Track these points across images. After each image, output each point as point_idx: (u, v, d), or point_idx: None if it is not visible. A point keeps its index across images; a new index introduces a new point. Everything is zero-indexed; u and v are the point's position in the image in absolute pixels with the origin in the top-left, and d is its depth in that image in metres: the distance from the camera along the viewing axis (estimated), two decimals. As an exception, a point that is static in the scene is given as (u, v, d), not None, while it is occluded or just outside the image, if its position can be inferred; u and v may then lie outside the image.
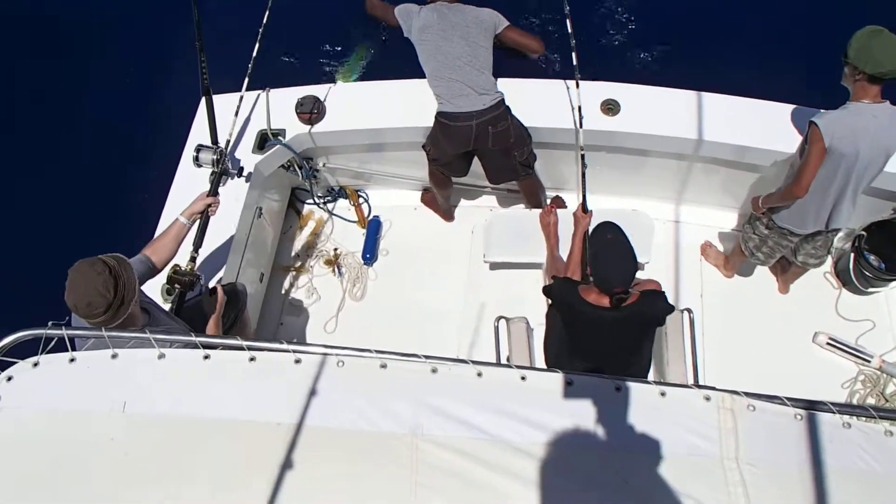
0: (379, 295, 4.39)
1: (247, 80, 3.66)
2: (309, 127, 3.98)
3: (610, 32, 5.46)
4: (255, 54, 3.63)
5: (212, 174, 3.48)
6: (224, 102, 3.74)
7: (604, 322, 2.94)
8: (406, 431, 1.74)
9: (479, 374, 1.83)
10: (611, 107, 3.80)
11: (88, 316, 2.41)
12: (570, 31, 3.58)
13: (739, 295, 4.17)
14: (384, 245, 4.54)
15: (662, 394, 1.80)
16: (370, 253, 4.45)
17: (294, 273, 4.51)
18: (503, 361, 3.52)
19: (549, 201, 4.41)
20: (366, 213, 4.62)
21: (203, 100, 3.72)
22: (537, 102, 3.87)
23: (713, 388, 1.80)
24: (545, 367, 3.31)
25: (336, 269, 4.45)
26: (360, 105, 4.03)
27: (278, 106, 3.99)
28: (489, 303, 4.10)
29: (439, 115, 3.72)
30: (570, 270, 3.45)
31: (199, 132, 3.90)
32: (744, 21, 5.39)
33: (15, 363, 1.82)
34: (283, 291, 4.46)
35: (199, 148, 3.55)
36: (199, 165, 3.55)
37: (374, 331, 4.18)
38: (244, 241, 3.87)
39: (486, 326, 3.89)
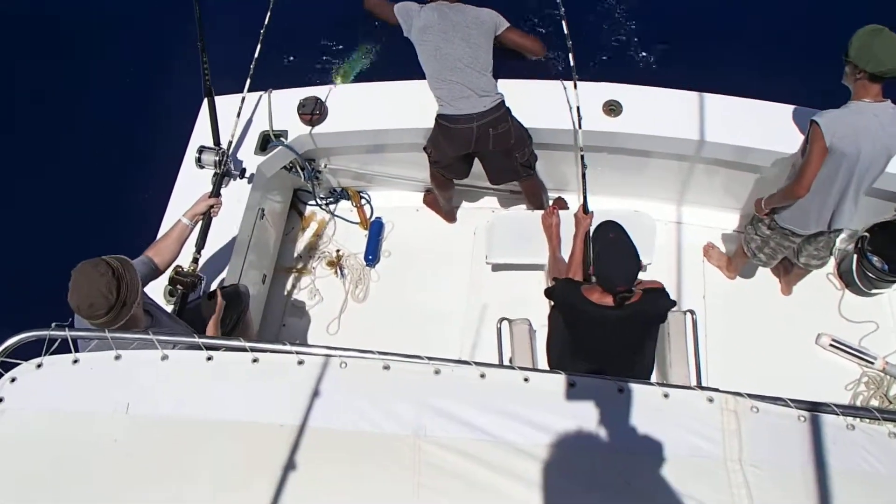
0: (381, 296, 4.39)
1: (248, 80, 3.67)
2: (311, 128, 3.98)
3: (612, 33, 5.46)
4: (256, 55, 3.63)
5: (214, 175, 3.49)
6: (226, 103, 3.75)
7: (607, 321, 2.94)
8: (409, 433, 1.74)
9: (482, 376, 1.82)
10: (613, 107, 3.80)
11: (90, 317, 2.41)
12: (566, 31, 3.59)
13: (742, 296, 4.17)
14: (386, 246, 4.54)
15: (665, 395, 1.79)
16: (372, 254, 4.45)
17: (296, 274, 4.52)
18: (506, 363, 3.52)
19: (551, 202, 4.41)
20: (368, 215, 4.62)
21: (205, 101, 3.72)
22: (539, 103, 3.87)
23: (716, 390, 1.80)
24: (548, 368, 3.31)
25: (338, 271, 4.45)
26: (362, 106, 4.03)
27: (280, 107, 3.99)
28: (491, 304, 4.10)
29: (440, 117, 3.72)
30: (571, 271, 3.45)
31: (201, 133, 3.90)
32: (745, 21, 5.39)
33: (19, 364, 1.82)
34: (285, 293, 4.46)
35: (201, 149, 3.56)
36: (202, 167, 3.56)
37: (376, 332, 4.18)
38: (246, 242, 3.88)
39: (488, 328, 3.89)
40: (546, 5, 5.24)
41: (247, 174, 3.79)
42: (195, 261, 3.22)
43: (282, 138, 3.96)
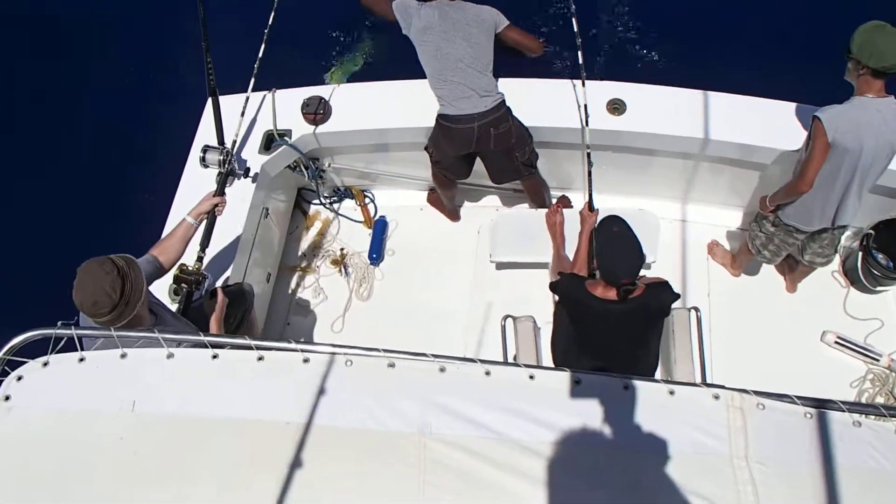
0: (385, 295, 4.39)
1: (253, 80, 3.67)
2: (315, 127, 3.98)
3: (616, 32, 5.45)
4: (260, 55, 3.64)
5: (218, 175, 3.49)
6: (230, 103, 3.75)
7: (611, 315, 2.95)
8: (414, 430, 1.74)
9: (488, 373, 1.82)
10: (617, 106, 3.79)
11: (94, 315, 2.41)
12: (575, 30, 3.59)
13: (747, 294, 4.16)
14: (390, 245, 4.54)
15: (671, 392, 1.79)
16: (376, 253, 4.45)
17: (301, 273, 4.52)
18: (510, 360, 3.52)
19: (554, 201, 4.41)
20: (372, 214, 4.62)
21: (209, 100, 3.72)
22: (543, 102, 3.87)
23: (722, 387, 1.79)
24: (552, 365, 3.31)
25: (342, 269, 4.45)
26: (365, 105, 4.03)
27: (284, 106, 4.00)
28: (496, 302, 4.10)
29: (440, 117, 3.72)
30: (576, 268, 3.45)
31: (205, 133, 3.91)
32: (750, 20, 5.37)
33: (25, 363, 1.83)
34: (289, 291, 4.47)
35: (205, 148, 3.56)
36: (206, 166, 3.56)
37: (380, 330, 4.18)
38: (251, 241, 3.88)
39: (492, 326, 3.89)
40: (547, 4, 5.25)
41: (251, 173, 3.80)
42: (200, 259, 3.23)
43: (286, 137, 3.97)
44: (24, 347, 1.83)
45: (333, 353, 1.85)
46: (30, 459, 1.75)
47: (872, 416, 1.78)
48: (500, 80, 3.79)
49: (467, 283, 4.29)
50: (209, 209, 3.23)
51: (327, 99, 3.99)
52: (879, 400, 3.79)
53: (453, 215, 4.55)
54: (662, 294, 3.00)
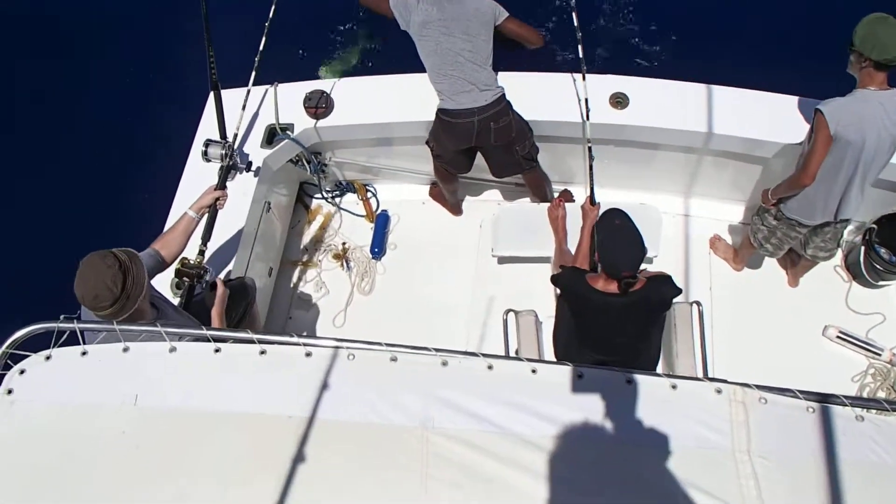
0: (387, 289, 4.39)
1: (254, 73, 3.66)
2: (317, 121, 3.97)
3: (618, 25, 5.43)
4: (261, 48, 3.63)
5: (220, 169, 3.49)
6: (232, 97, 3.75)
7: (612, 308, 2.94)
8: (417, 424, 1.74)
9: (490, 367, 1.82)
10: (619, 100, 3.79)
11: (95, 308, 2.41)
12: (576, 23, 3.57)
13: (749, 288, 4.15)
14: (392, 239, 4.54)
15: (673, 386, 1.79)
16: (378, 247, 4.44)
17: (302, 267, 4.52)
18: (512, 355, 3.52)
19: (556, 195, 4.40)
20: (374, 208, 4.62)
21: (211, 94, 3.71)
22: (544, 96, 3.86)
23: (725, 381, 1.79)
24: (554, 359, 3.31)
25: (344, 264, 4.45)
26: (368, 99, 4.02)
27: (286, 101, 3.99)
28: (497, 296, 4.10)
29: (440, 111, 3.71)
30: (578, 263, 3.45)
31: (207, 127, 3.90)
32: (751, 13, 5.35)
33: (28, 356, 1.83)
34: (291, 286, 4.47)
35: (207, 142, 3.56)
36: (208, 160, 3.56)
37: (382, 325, 4.18)
38: (253, 235, 3.88)
39: (494, 320, 3.89)
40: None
41: (253, 167, 3.80)
42: (201, 253, 3.23)
43: (288, 132, 3.96)
44: (26, 341, 1.83)
45: (336, 347, 1.85)
46: (32, 453, 1.75)
47: (874, 411, 1.77)
48: (501, 73, 3.78)
49: (469, 277, 4.29)
50: (210, 203, 3.23)
51: (330, 93, 3.99)
52: (881, 394, 3.79)
53: (455, 209, 4.55)
54: (664, 287, 3.00)
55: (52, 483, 1.71)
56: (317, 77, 4.16)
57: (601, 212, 3.26)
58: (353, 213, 4.64)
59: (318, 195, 4.65)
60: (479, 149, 3.90)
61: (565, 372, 1.81)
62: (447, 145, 3.81)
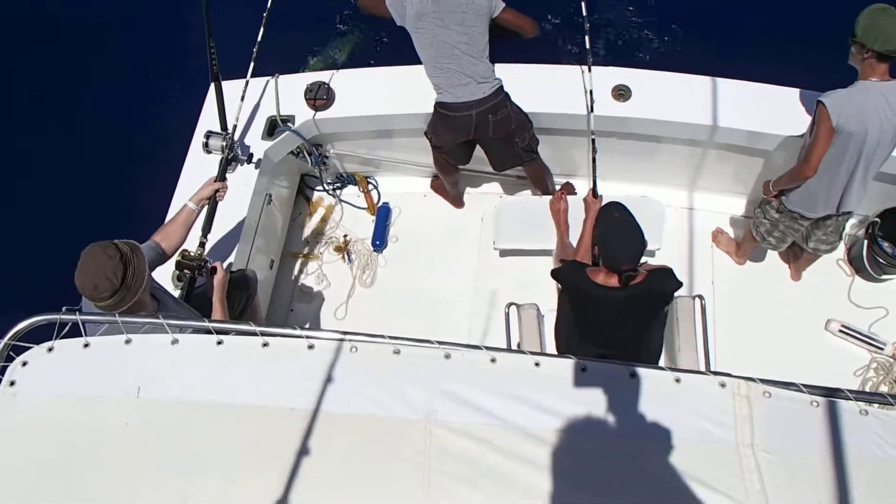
0: (389, 282, 4.39)
1: (252, 64, 3.64)
2: (318, 113, 3.96)
3: (621, 17, 5.41)
4: (259, 39, 3.61)
5: (221, 160, 3.48)
6: (233, 88, 3.73)
7: (612, 302, 2.94)
8: (420, 417, 1.74)
9: (493, 360, 1.82)
10: (622, 92, 3.77)
11: (94, 299, 2.41)
12: (584, 14, 3.56)
13: (751, 282, 4.15)
14: (394, 232, 4.53)
15: (677, 380, 1.78)
16: (380, 239, 4.44)
17: (304, 260, 4.52)
18: (514, 348, 3.52)
19: (558, 187, 4.39)
20: (375, 200, 4.61)
21: (212, 86, 3.70)
22: (547, 88, 3.84)
23: (728, 375, 1.79)
24: (556, 352, 3.31)
25: (346, 256, 4.45)
26: (369, 91, 4.01)
27: (287, 92, 3.98)
28: (499, 289, 4.09)
29: (438, 105, 3.69)
30: (579, 256, 3.44)
31: (208, 118, 3.89)
32: (754, 5, 5.34)
33: (30, 348, 1.83)
34: (292, 278, 4.46)
35: (208, 134, 3.55)
36: (209, 152, 3.54)
37: (384, 317, 4.18)
38: (254, 227, 3.87)
39: (496, 313, 3.89)
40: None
41: (254, 159, 3.79)
42: (202, 245, 3.22)
43: (289, 123, 3.95)
44: (28, 333, 1.83)
45: (339, 340, 1.84)
46: (35, 444, 1.75)
47: (878, 405, 1.77)
48: (505, 65, 3.77)
49: (471, 270, 4.28)
50: (210, 194, 3.22)
51: (331, 85, 3.97)
52: (884, 389, 3.78)
53: (457, 202, 4.53)
54: (665, 280, 2.99)
55: (55, 474, 1.71)
56: (309, 67, 4.13)
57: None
58: (355, 206, 4.63)
59: (320, 187, 4.64)
60: (479, 142, 3.88)
61: (568, 365, 1.81)
62: (446, 138, 3.80)
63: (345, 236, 4.51)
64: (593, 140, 3.62)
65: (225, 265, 3.52)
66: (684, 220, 4.32)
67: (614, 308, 2.97)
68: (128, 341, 1.87)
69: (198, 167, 3.73)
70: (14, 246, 4.81)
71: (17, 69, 5.70)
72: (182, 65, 4.98)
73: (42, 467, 1.72)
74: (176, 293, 3.20)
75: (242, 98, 3.67)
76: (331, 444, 1.72)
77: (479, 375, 1.81)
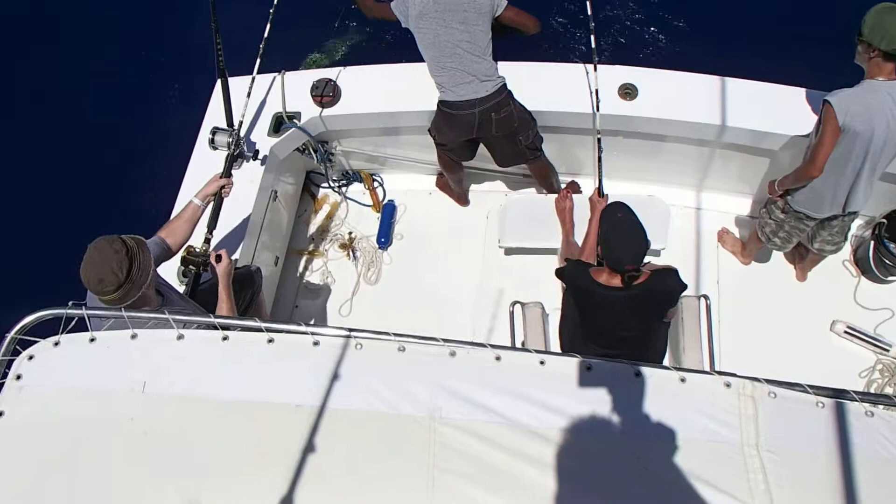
0: (393, 279, 4.39)
1: (258, 61, 3.65)
2: (324, 110, 3.96)
3: (627, 16, 5.40)
4: (266, 35, 3.62)
5: (227, 156, 3.48)
6: (239, 85, 3.73)
7: (615, 302, 2.94)
8: (424, 414, 1.74)
9: (498, 358, 1.82)
10: (628, 91, 3.76)
11: (99, 292, 2.42)
12: (589, 13, 3.55)
13: (756, 282, 4.14)
14: (399, 229, 4.53)
15: (682, 380, 1.78)
16: (385, 237, 4.44)
17: (309, 257, 4.52)
18: (518, 346, 3.52)
19: (563, 186, 4.39)
20: (380, 197, 4.61)
21: (218, 82, 3.71)
22: (553, 86, 3.83)
23: (734, 375, 1.78)
24: (560, 351, 3.30)
25: (351, 253, 4.45)
26: (375, 88, 4.01)
27: (293, 89, 3.98)
28: (504, 288, 4.09)
29: (441, 103, 3.69)
30: (584, 255, 3.44)
31: (214, 115, 3.89)
32: (760, 4, 5.32)
33: (36, 342, 1.83)
34: (297, 275, 4.47)
35: (214, 130, 3.55)
36: (215, 148, 3.55)
37: (388, 315, 4.18)
38: (259, 224, 3.88)
39: (501, 311, 3.89)
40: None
41: (260, 156, 3.79)
42: (207, 241, 3.22)
43: (295, 120, 3.95)
44: (35, 327, 1.83)
45: (345, 337, 1.84)
46: (41, 438, 1.76)
47: (881, 406, 1.76)
48: (511, 63, 3.77)
49: (476, 268, 4.28)
50: (215, 191, 3.23)
51: (337, 81, 3.97)
52: (888, 390, 3.77)
53: (462, 200, 4.53)
54: (668, 279, 2.98)
55: (60, 467, 1.72)
56: (316, 64, 4.13)
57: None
58: (360, 203, 4.63)
59: (325, 184, 4.64)
60: (482, 140, 3.88)
61: (574, 364, 1.80)
62: (449, 136, 3.80)
63: (350, 233, 4.51)
64: (599, 139, 3.61)
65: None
66: (690, 219, 4.31)
67: (617, 308, 2.97)
68: (134, 336, 1.87)
69: (204, 163, 3.73)
70: (21, 241, 4.84)
71: (18, 68, 5.73)
72: (186, 62, 4.99)
73: (47, 460, 1.72)
74: (181, 289, 3.20)
75: (249, 94, 3.68)
76: (335, 440, 1.72)
77: (483, 373, 1.80)
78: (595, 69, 3.63)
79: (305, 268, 4.50)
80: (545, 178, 4.25)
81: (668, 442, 1.70)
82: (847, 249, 4.01)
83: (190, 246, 3.11)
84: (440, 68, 3.61)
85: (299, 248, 4.53)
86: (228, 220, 3.55)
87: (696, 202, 4.36)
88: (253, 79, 3.70)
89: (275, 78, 4.01)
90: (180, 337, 1.87)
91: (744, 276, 4.16)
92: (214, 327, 1.88)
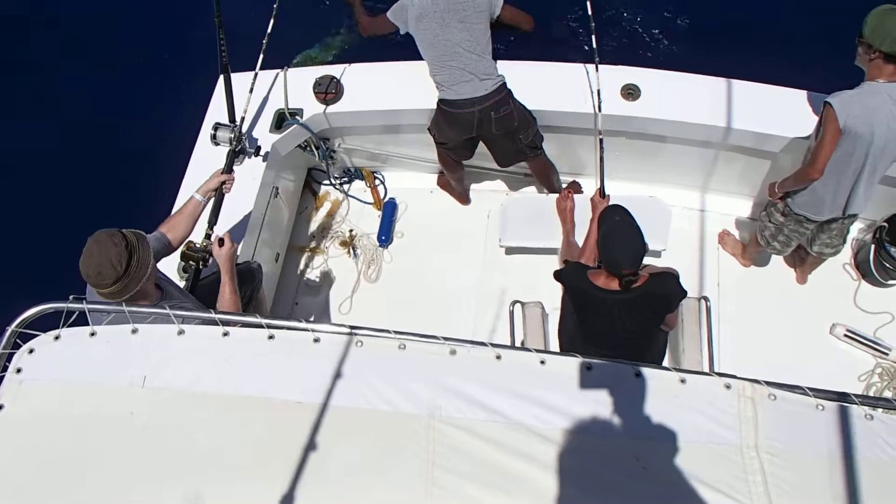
0: (393, 277, 4.39)
1: (261, 56, 3.64)
2: (326, 107, 3.96)
3: (630, 17, 5.40)
4: (269, 30, 3.62)
5: (229, 152, 3.48)
6: (242, 81, 3.73)
7: (613, 305, 2.93)
8: (424, 413, 1.74)
9: (498, 357, 1.82)
10: (631, 91, 3.76)
11: (97, 285, 2.41)
12: (590, 13, 3.55)
13: (757, 284, 4.14)
14: (399, 227, 4.53)
15: (682, 381, 1.78)
16: (385, 235, 4.44)
17: (309, 254, 4.52)
18: (518, 346, 3.52)
19: (564, 186, 4.39)
20: (381, 195, 4.61)
21: (221, 77, 3.70)
22: (555, 86, 3.83)
23: (734, 377, 1.79)
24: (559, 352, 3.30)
25: (351, 251, 4.45)
26: (378, 86, 4.00)
27: (296, 85, 3.98)
28: (504, 287, 4.09)
29: (441, 102, 3.69)
30: (585, 256, 3.43)
31: (216, 110, 3.89)
32: (762, 6, 5.31)
33: (37, 336, 1.83)
34: (298, 272, 4.47)
35: (216, 126, 3.55)
36: (217, 144, 3.55)
37: (388, 313, 4.18)
38: (260, 220, 3.88)
39: (501, 310, 3.88)
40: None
41: (262, 152, 3.79)
42: (208, 237, 3.22)
43: (297, 117, 3.95)
44: (35, 321, 1.84)
45: (346, 334, 1.84)
46: (41, 431, 1.76)
47: (881, 409, 1.77)
48: (512, 62, 3.77)
49: (476, 267, 4.28)
50: (217, 186, 3.22)
51: (339, 78, 3.97)
52: (888, 394, 3.77)
53: (463, 199, 4.53)
54: (668, 282, 2.97)
55: (59, 461, 1.72)
56: (318, 61, 4.13)
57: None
58: (361, 201, 4.63)
59: (326, 181, 4.64)
60: (482, 138, 3.88)
61: (574, 364, 1.81)
62: (449, 135, 3.80)
63: (351, 231, 4.51)
64: (601, 139, 3.60)
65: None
66: (691, 221, 4.31)
67: (616, 311, 2.96)
68: (134, 331, 1.87)
69: (205, 159, 3.73)
70: (22, 235, 4.83)
71: (18, 65, 5.72)
72: (189, 58, 4.96)
73: (47, 454, 1.72)
74: (181, 284, 3.20)
75: (251, 90, 3.68)
76: (335, 437, 1.72)
77: (484, 372, 1.81)
78: (597, 69, 3.62)
79: (306, 265, 4.50)
80: (546, 177, 4.25)
81: (667, 442, 1.70)
82: (847, 252, 4.01)
83: (190, 241, 3.11)
84: (440, 67, 3.62)
85: (300, 245, 4.53)
86: (229, 216, 3.54)
87: (697, 204, 4.36)
88: (255, 75, 3.70)
89: (277, 74, 4.01)
90: (181, 332, 1.87)
91: (744, 278, 4.16)
92: (215, 323, 1.88)
